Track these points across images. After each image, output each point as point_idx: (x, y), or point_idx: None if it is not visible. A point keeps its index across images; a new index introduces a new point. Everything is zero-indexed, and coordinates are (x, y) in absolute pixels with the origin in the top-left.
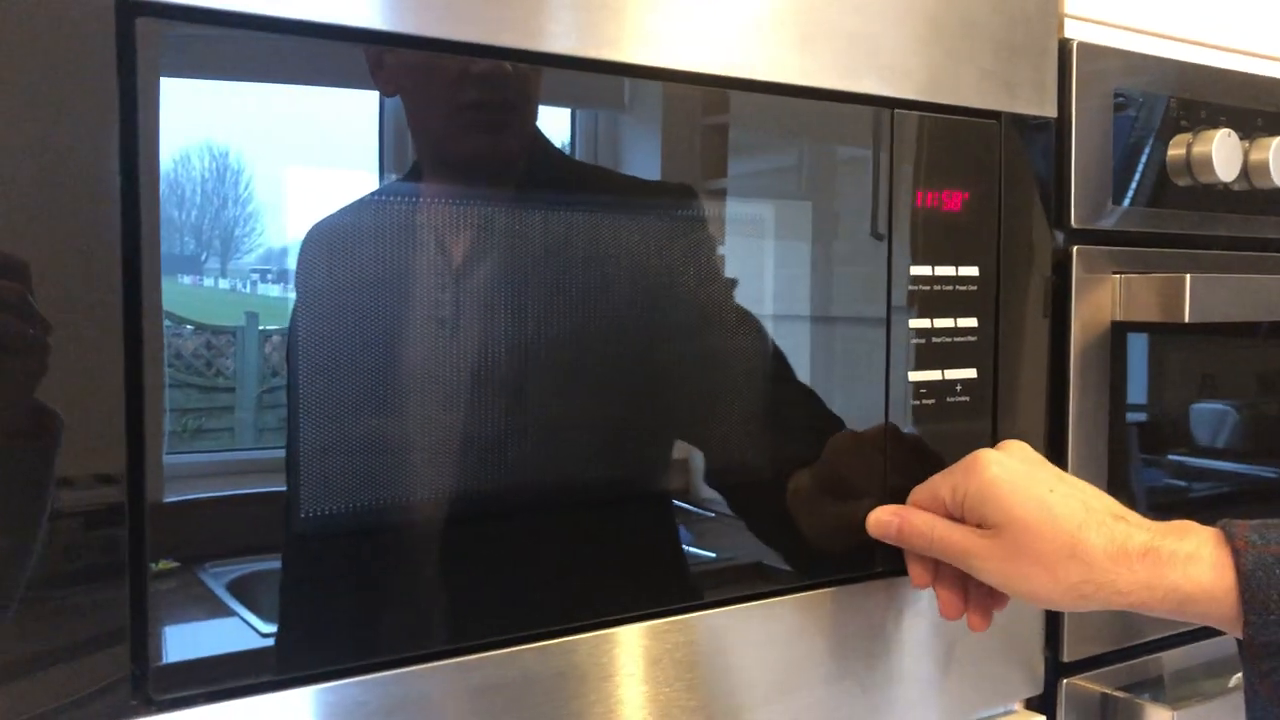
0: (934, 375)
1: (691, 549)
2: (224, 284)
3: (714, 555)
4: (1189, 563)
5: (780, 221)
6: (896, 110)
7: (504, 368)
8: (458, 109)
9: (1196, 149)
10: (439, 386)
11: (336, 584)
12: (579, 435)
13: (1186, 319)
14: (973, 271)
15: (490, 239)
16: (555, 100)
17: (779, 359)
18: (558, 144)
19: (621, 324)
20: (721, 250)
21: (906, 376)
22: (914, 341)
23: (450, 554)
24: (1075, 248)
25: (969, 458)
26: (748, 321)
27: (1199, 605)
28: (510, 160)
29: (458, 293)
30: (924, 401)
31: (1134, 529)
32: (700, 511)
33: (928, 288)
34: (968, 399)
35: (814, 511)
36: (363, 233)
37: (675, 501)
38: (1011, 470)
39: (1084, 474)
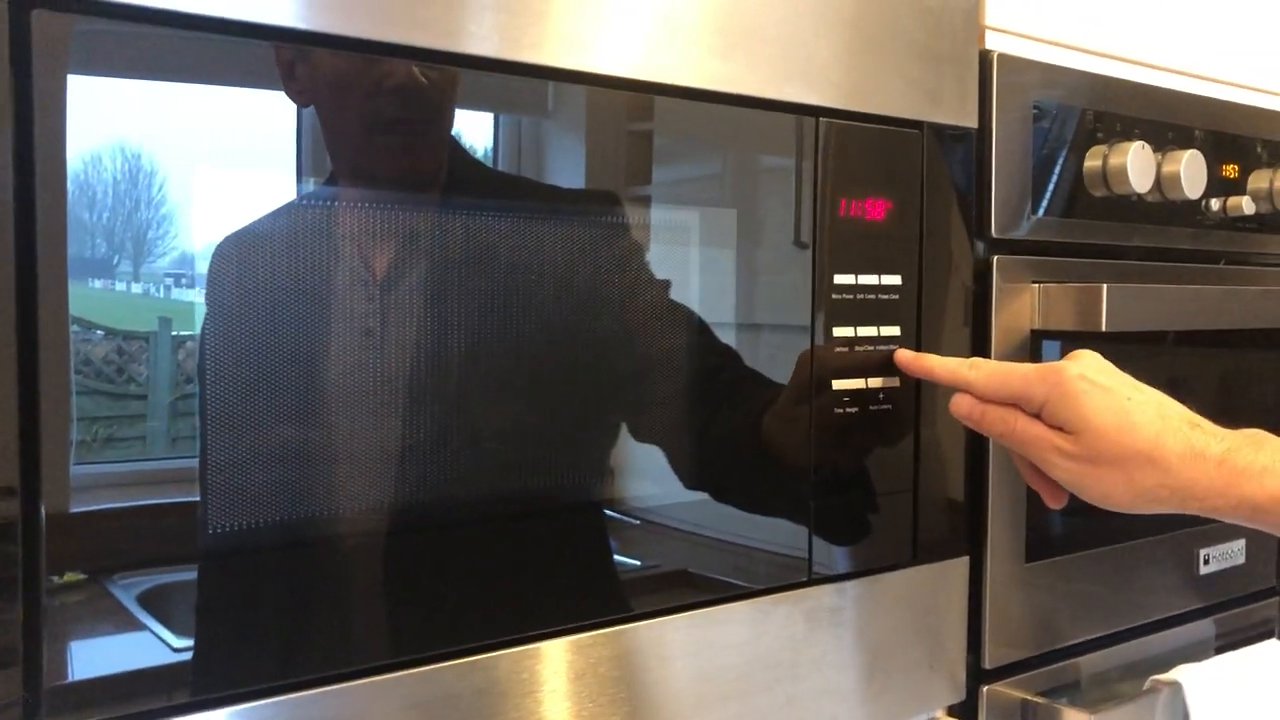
0: (857, 384)
1: (619, 557)
2: (136, 288)
3: (639, 563)
4: (1264, 475)
5: (705, 229)
6: (821, 118)
7: (427, 378)
8: (372, 125)
9: (1112, 160)
10: (360, 398)
11: (250, 600)
12: (504, 445)
13: (1104, 328)
14: (895, 280)
15: (413, 249)
16: (477, 105)
17: (715, 355)
18: (481, 151)
19: (547, 332)
20: (647, 257)
21: (830, 384)
22: (838, 350)
23: (370, 569)
24: (995, 257)
25: (1049, 366)
26: (679, 323)
27: (1271, 516)
28: (429, 173)
29: (382, 303)
30: (847, 410)
31: (1210, 437)
32: (626, 519)
33: (851, 296)
34: (890, 407)
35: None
36: (278, 241)
37: (604, 510)
38: (1091, 378)
39: (1003, 479)
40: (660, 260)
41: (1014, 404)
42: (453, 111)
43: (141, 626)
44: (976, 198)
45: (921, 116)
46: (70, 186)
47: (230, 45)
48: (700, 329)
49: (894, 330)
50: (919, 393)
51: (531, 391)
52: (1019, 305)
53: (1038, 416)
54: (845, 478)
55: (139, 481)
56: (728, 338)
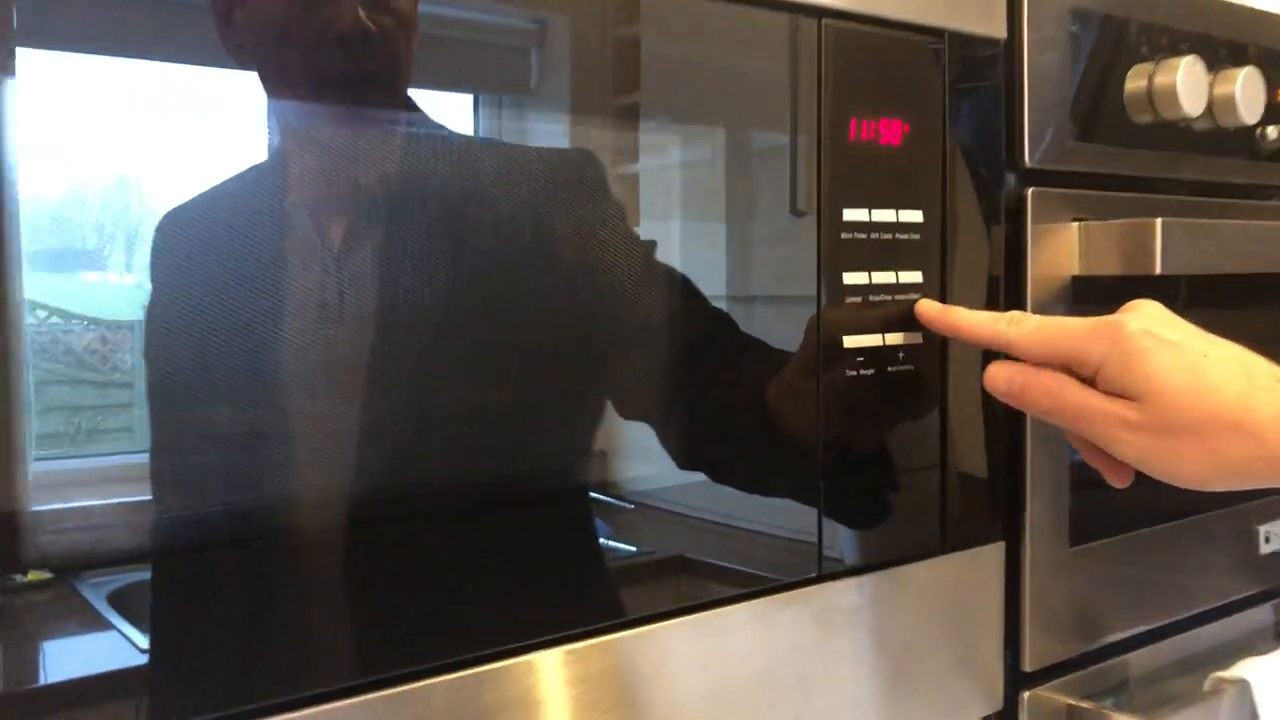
0: (873, 340)
1: (612, 543)
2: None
3: (635, 549)
4: None
5: (689, 187)
6: (824, 20)
7: (391, 354)
8: (318, 80)
9: (1159, 80)
10: (317, 377)
11: (200, 611)
12: (479, 426)
13: (1158, 270)
14: (915, 217)
15: (371, 214)
16: (456, 86)
17: (709, 320)
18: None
19: (521, 301)
20: (630, 212)
21: (840, 342)
22: (849, 300)
23: (333, 573)
24: (1030, 190)
25: (1104, 321)
26: (667, 286)
27: None
28: (387, 131)
29: (339, 274)
30: (861, 372)
31: None
32: (620, 504)
33: (864, 236)
34: (911, 367)
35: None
36: (224, 212)
37: (593, 495)
38: (1157, 332)
39: (1043, 448)
40: (646, 205)
41: (1063, 367)
42: (409, 64)
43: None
44: (1007, 121)
45: (942, 23)
46: (31, 174)
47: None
48: (691, 292)
49: (914, 276)
50: (945, 350)
51: (506, 366)
52: (1058, 247)
53: (1091, 382)
54: (860, 453)
55: (127, 477)
56: (721, 283)
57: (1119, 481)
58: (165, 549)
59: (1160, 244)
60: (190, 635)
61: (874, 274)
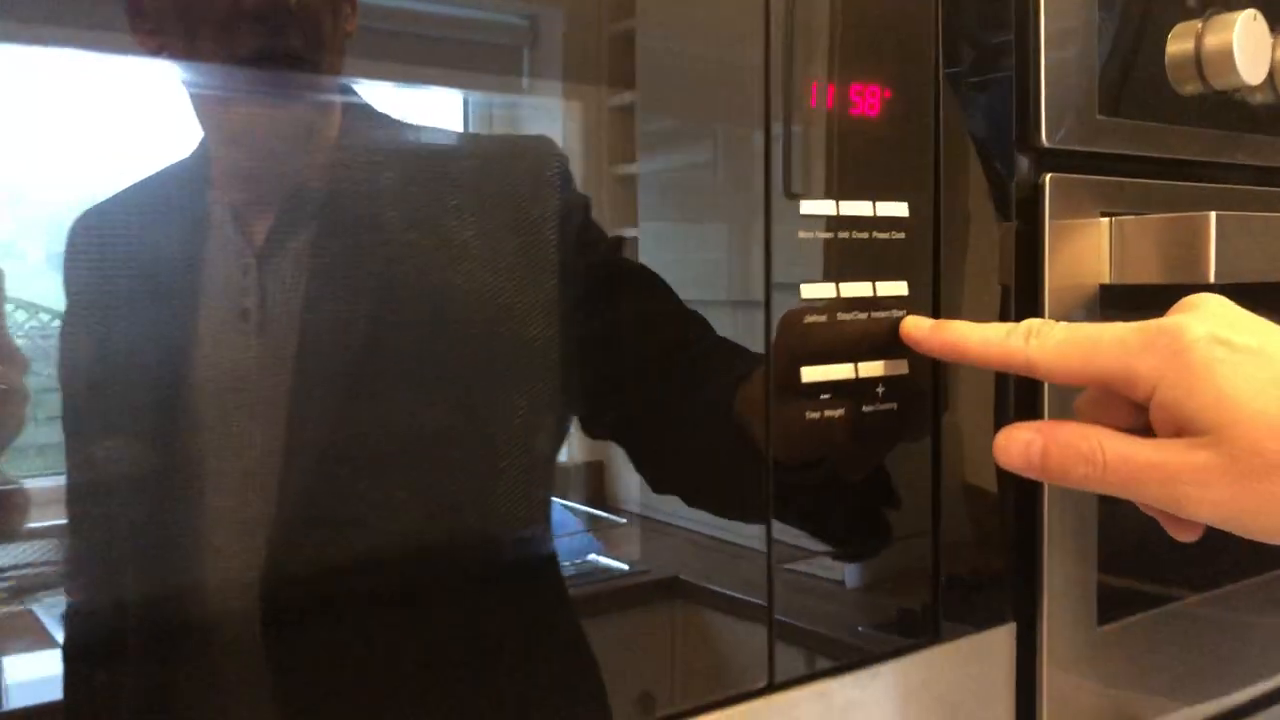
0: (842, 372)
1: (603, 560)
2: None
3: (626, 567)
4: None
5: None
6: None
7: (320, 370)
8: (234, 61)
9: (1210, 40)
10: (231, 398)
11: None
12: (423, 460)
13: (1211, 277)
14: (899, 210)
15: (298, 207)
16: (444, 83)
17: (681, 324)
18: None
19: (467, 308)
20: (624, 211)
21: (797, 376)
22: (810, 320)
23: (263, 667)
24: (1048, 177)
25: (1156, 327)
26: (634, 288)
27: None
28: (308, 117)
29: (260, 276)
30: (827, 413)
31: None
32: (610, 517)
33: (830, 235)
34: (893, 406)
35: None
36: (135, 211)
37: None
38: (1230, 339)
39: (1063, 501)
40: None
41: (1099, 391)
42: (338, 42)
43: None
44: (1018, 89)
45: None
46: None
47: None
48: (662, 293)
49: (898, 288)
50: (939, 382)
51: (450, 381)
52: (1082, 248)
53: (1140, 412)
54: (825, 521)
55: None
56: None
57: (1186, 535)
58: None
59: (1215, 245)
60: None
61: (843, 285)
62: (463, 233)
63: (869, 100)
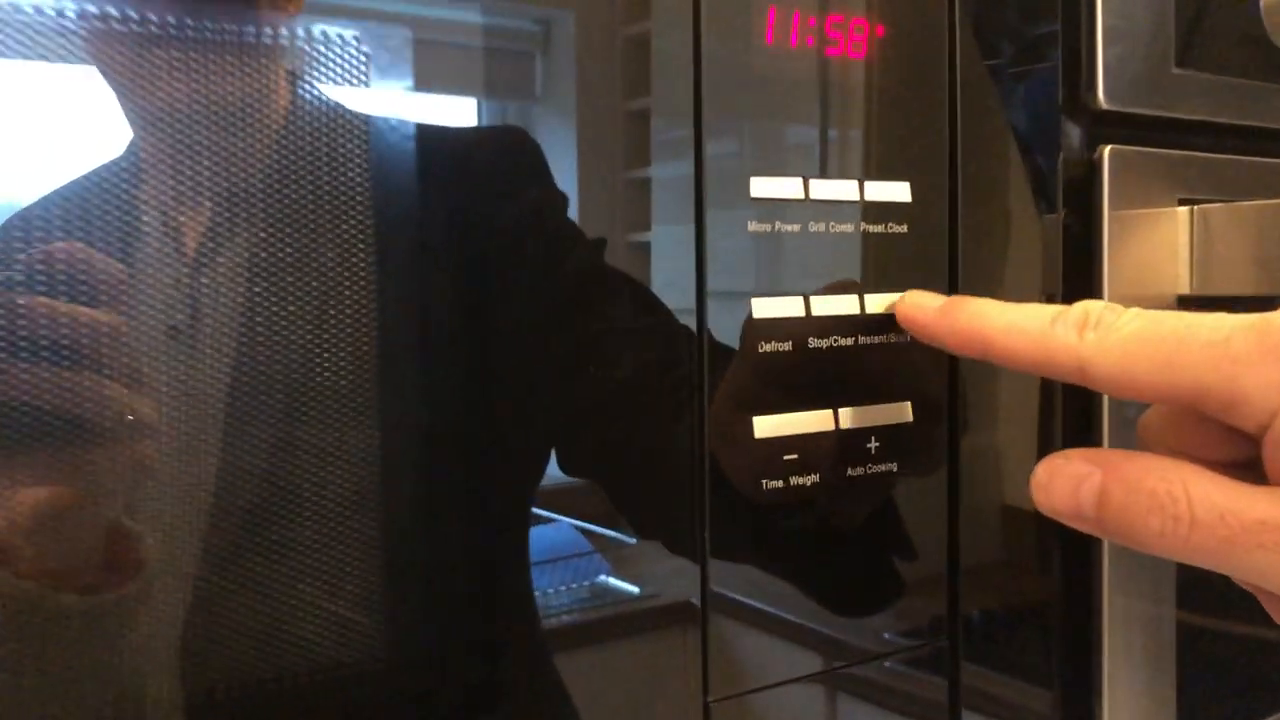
0: (811, 421)
1: (612, 582)
2: None
3: (637, 591)
4: None
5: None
6: None
7: (260, 394)
8: (153, 42)
9: None
10: (163, 425)
11: None
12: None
13: None
14: (897, 194)
15: (235, 209)
16: (460, 89)
17: (665, 342)
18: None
19: (429, 320)
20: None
21: (747, 428)
22: (767, 349)
23: None
24: (1106, 150)
25: (1269, 324)
26: (614, 299)
27: None
28: (244, 101)
29: (193, 288)
30: (795, 480)
31: None
32: (619, 537)
33: (796, 226)
34: (894, 467)
35: None
36: (59, 216)
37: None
38: None
39: (1124, 590)
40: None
41: (1180, 410)
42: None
43: None
44: (1065, 33)
45: None
46: None
47: None
48: (649, 304)
49: (896, 299)
50: (955, 434)
51: (409, 407)
52: (1153, 247)
53: (1220, 438)
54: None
55: None
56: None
57: None
58: None
59: None
60: None
61: (815, 300)
62: (427, 234)
63: (854, 37)
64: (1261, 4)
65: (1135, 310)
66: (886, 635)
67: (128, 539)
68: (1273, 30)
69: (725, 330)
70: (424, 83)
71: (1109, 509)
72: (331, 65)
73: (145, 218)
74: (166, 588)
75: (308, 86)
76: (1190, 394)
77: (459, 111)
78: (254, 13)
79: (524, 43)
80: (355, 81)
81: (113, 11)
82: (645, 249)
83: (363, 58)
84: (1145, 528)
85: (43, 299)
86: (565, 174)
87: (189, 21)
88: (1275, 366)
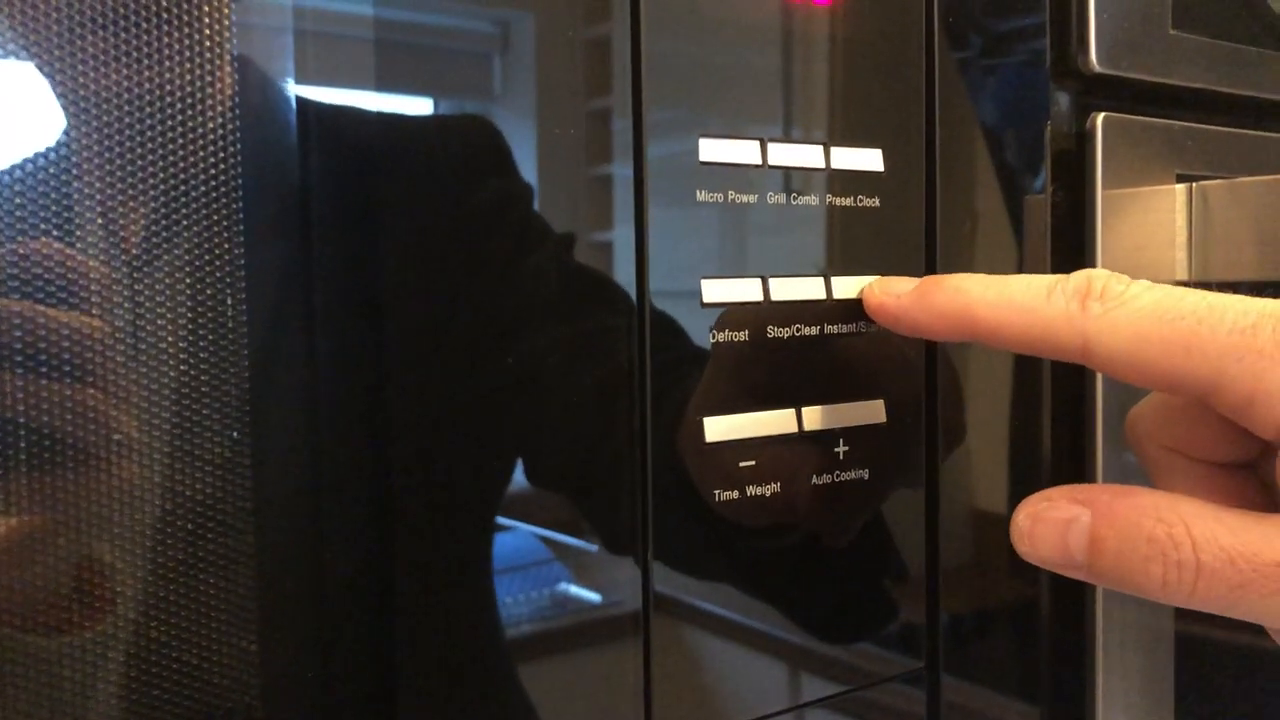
0: (771, 423)
1: (573, 589)
2: None
3: (598, 599)
4: None
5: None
6: None
7: (218, 410)
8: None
9: None
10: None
11: None
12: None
13: None
14: (868, 161)
15: (183, 196)
16: (412, 91)
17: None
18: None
19: (391, 323)
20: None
21: (698, 430)
22: (720, 338)
23: None
24: (1100, 118)
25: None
26: (587, 296)
27: None
28: (194, 76)
29: (133, 287)
30: (753, 490)
31: None
32: (581, 544)
33: (752, 197)
34: (865, 474)
35: None
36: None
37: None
38: None
39: (1121, 641)
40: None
41: (1189, 403)
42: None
43: None
44: None
45: None
46: None
47: None
48: (620, 302)
49: (867, 282)
50: (931, 433)
51: (370, 415)
52: (1150, 227)
53: (1230, 439)
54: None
55: None
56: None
57: None
58: None
59: None
60: None
61: (774, 282)
62: (384, 229)
63: None
64: None
65: (1146, 282)
66: (861, 646)
67: (100, 573)
68: None
69: (696, 330)
70: (381, 81)
71: (1103, 556)
72: (282, 58)
73: (84, 214)
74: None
75: (256, 77)
76: (1206, 385)
77: (416, 108)
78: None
79: (481, 44)
80: (308, 77)
81: None
82: (608, 248)
83: (317, 53)
84: (1146, 576)
85: (11, 301)
86: (526, 175)
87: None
88: (1259, 375)
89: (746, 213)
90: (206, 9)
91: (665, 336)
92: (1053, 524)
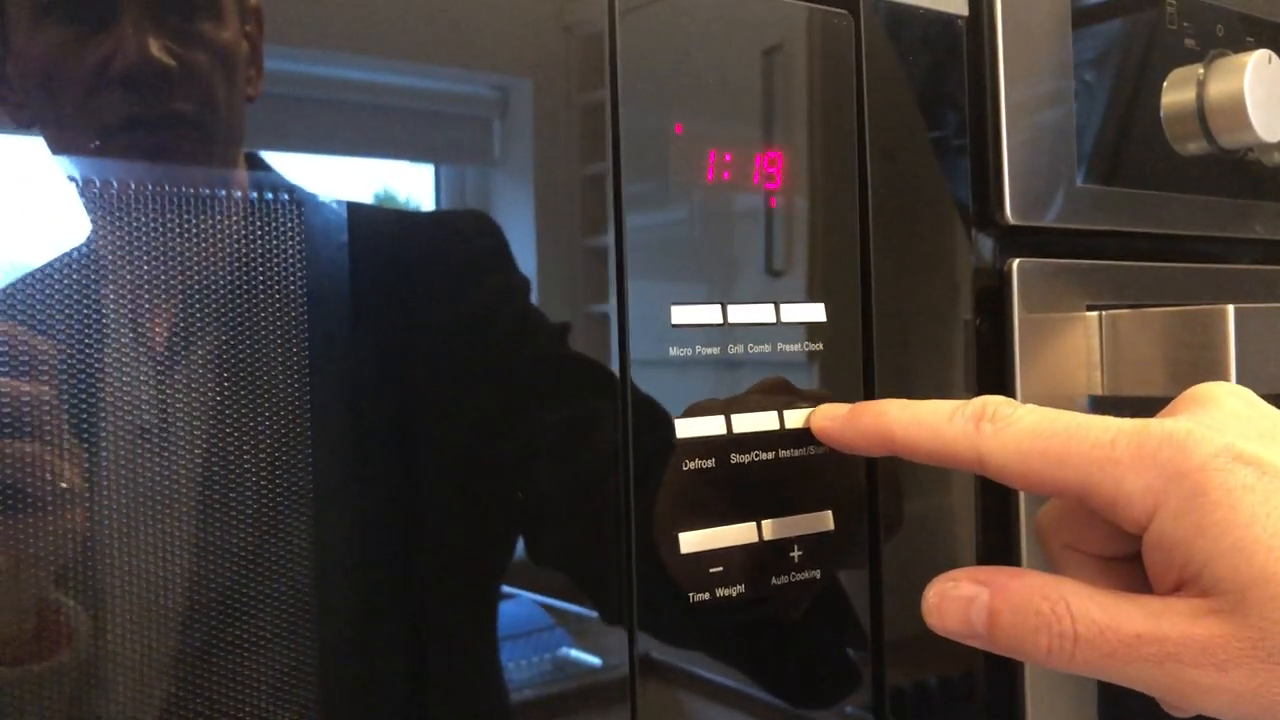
0: (735, 535)
1: (573, 653)
2: None
3: (599, 663)
4: None
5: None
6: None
7: (246, 503)
8: (110, 136)
9: (1214, 88)
10: (132, 539)
11: None
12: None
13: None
14: (813, 315)
15: (204, 300)
16: (415, 155)
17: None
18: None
19: (402, 418)
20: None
21: (674, 544)
22: (691, 467)
23: None
24: (1015, 262)
25: (1154, 431)
26: (581, 384)
27: None
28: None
29: (161, 386)
30: (721, 592)
31: None
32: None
33: (716, 349)
34: (817, 574)
35: None
36: (28, 316)
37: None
38: (1253, 454)
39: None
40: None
41: (1075, 504)
42: (236, 108)
43: None
44: (974, 148)
45: None
46: None
47: None
48: (606, 390)
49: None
50: (877, 567)
51: (378, 501)
52: (1065, 351)
53: (1110, 533)
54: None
55: None
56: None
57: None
58: None
59: (1235, 346)
60: None
61: (736, 418)
62: (392, 328)
63: (771, 168)
64: (1163, 114)
65: (1030, 406)
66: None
67: (57, 610)
68: (1174, 139)
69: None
70: (384, 148)
71: (999, 629)
72: (290, 138)
73: (111, 317)
74: (106, 664)
75: (264, 175)
76: (1078, 490)
77: (418, 176)
78: (212, 116)
79: (482, 109)
80: (316, 148)
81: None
82: (604, 319)
83: (322, 130)
84: (1034, 645)
85: None
86: (524, 237)
87: (145, 145)
88: (1152, 471)
89: (711, 362)
90: None
91: (650, 425)
92: (956, 601)
